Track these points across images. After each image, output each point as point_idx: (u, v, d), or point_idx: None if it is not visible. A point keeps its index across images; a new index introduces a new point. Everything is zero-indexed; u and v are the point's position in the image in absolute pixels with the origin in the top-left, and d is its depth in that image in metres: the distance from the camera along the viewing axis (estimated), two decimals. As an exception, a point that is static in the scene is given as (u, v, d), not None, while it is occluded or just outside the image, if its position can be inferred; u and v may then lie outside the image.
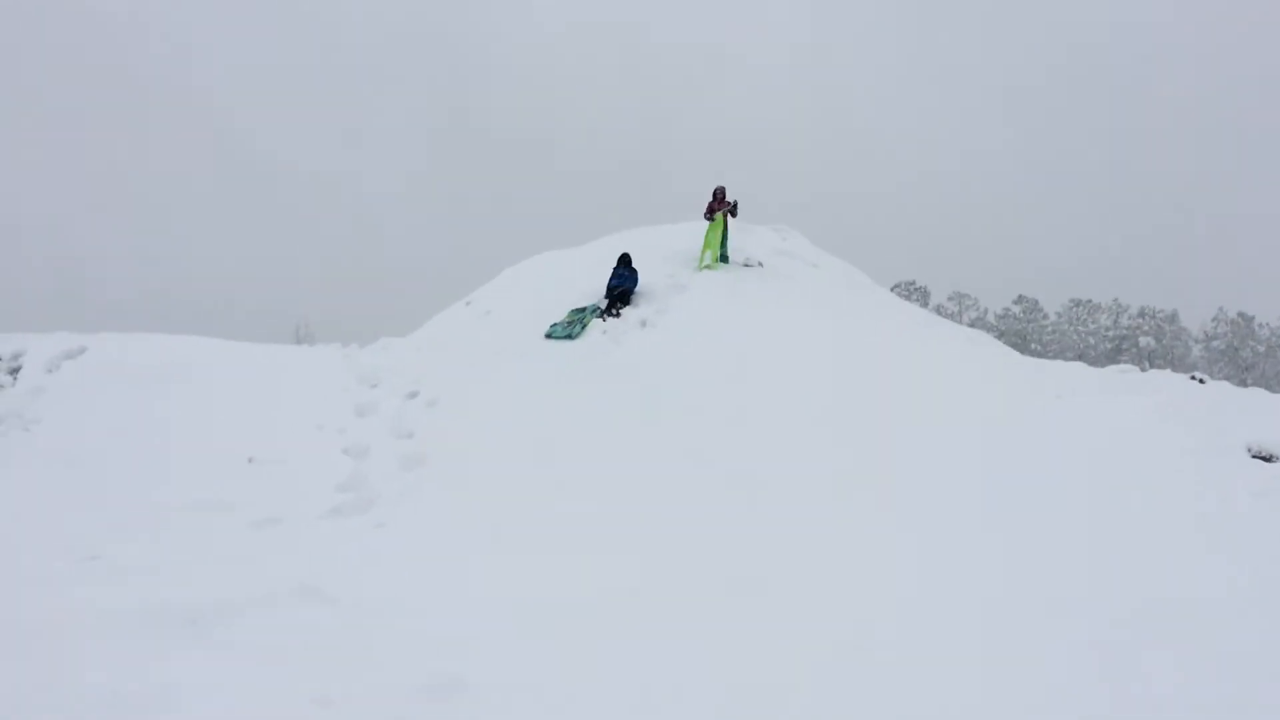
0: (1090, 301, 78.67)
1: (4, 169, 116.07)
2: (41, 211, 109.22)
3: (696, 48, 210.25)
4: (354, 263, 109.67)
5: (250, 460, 10.66)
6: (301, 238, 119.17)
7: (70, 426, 11.17)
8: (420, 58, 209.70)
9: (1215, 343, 74.43)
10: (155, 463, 10.44)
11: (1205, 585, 6.89)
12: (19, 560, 7.53)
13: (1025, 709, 5.29)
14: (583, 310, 16.68)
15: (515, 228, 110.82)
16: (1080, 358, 66.13)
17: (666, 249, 19.50)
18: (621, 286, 17.21)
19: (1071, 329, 77.83)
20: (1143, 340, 74.61)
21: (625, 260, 17.74)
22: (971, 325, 66.65)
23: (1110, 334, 76.81)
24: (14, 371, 12.48)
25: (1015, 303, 78.80)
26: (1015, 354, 17.99)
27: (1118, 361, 54.65)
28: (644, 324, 16.01)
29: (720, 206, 19.17)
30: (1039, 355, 62.85)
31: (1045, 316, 78.32)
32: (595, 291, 17.47)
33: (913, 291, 75.61)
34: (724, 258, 19.14)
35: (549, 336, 15.89)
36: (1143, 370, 14.56)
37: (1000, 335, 68.37)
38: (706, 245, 19.10)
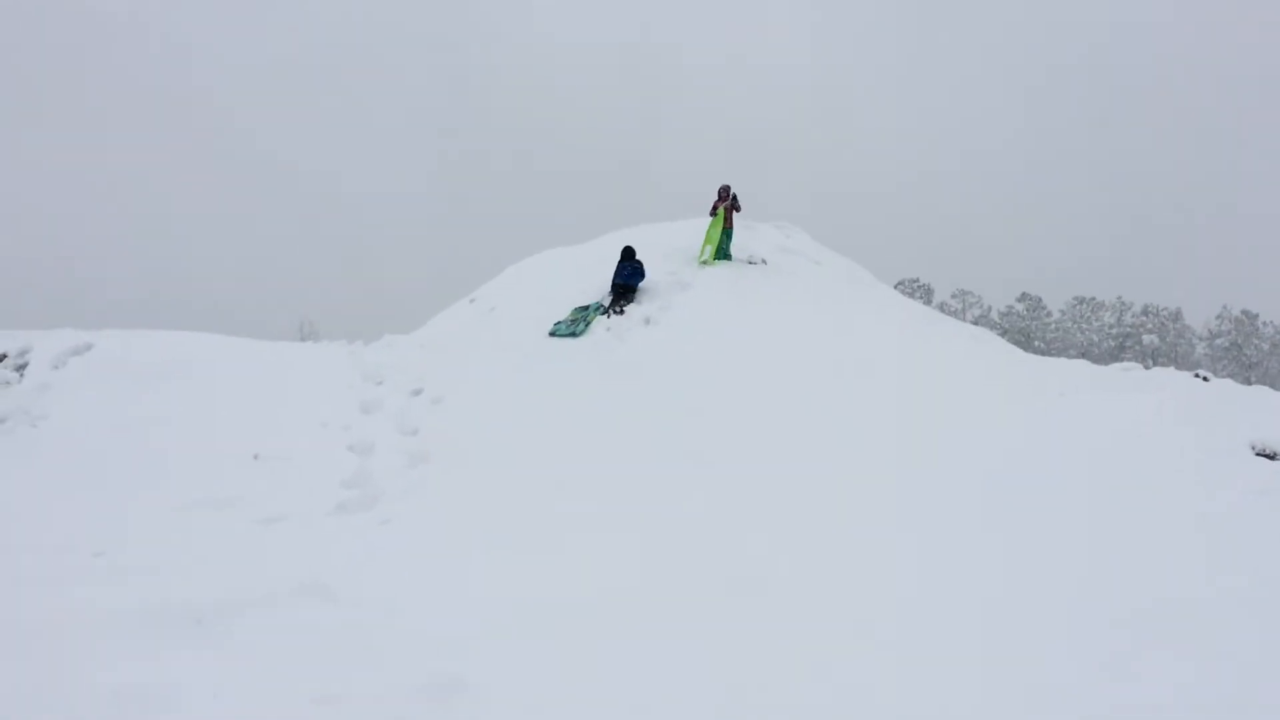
0: (1094, 299, 78.62)
1: (4, 167, 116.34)
2: (42, 210, 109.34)
3: (697, 49, 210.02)
4: (357, 261, 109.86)
5: (256, 457, 10.70)
6: (305, 236, 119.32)
7: (76, 423, 11.20)
8: (422, 58, 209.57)
9: (1219, 340, 74.34)
10: (161, 459, 10.47)
11: (1206, 585, 6.87)
12: (23, 558, 7.55)
13: (1025, 709, 5.30)
14: (586, 308, 16.69)
15: (517, 226, 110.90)
16: (1084, 355, 66.05)
17: (669, 246, 19.51)
18: (628, 283, 17.21)
19: (1075, 327, 77.76)
20: (1146, 338, 74.52)
21: (629, 253, 17.68)
22: (975, 323, 66.58)
23: (1114, 332, 76.73)
24: (20, 368, 12.51)
25: (1018, 300, 78.76)
26: (1019, 352, 18.00)
27: (1121, 359, 54.64)
28: (648, 321, 16.03)
29: (723, 203, 19.22)
30: (1042, 353, 62.77)
31: (1049, 314, 78.26)
32: (599, 288, 17.49)
33: (916, 289, 75.57)
34: (727, 255, 19.16)
35: (553, 335, 15.92)
36: (1146, 368, 14.55)
37: (1003, 333, 68.36)
38: (707, 240, 19.14)
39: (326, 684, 5.18)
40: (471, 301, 20.47)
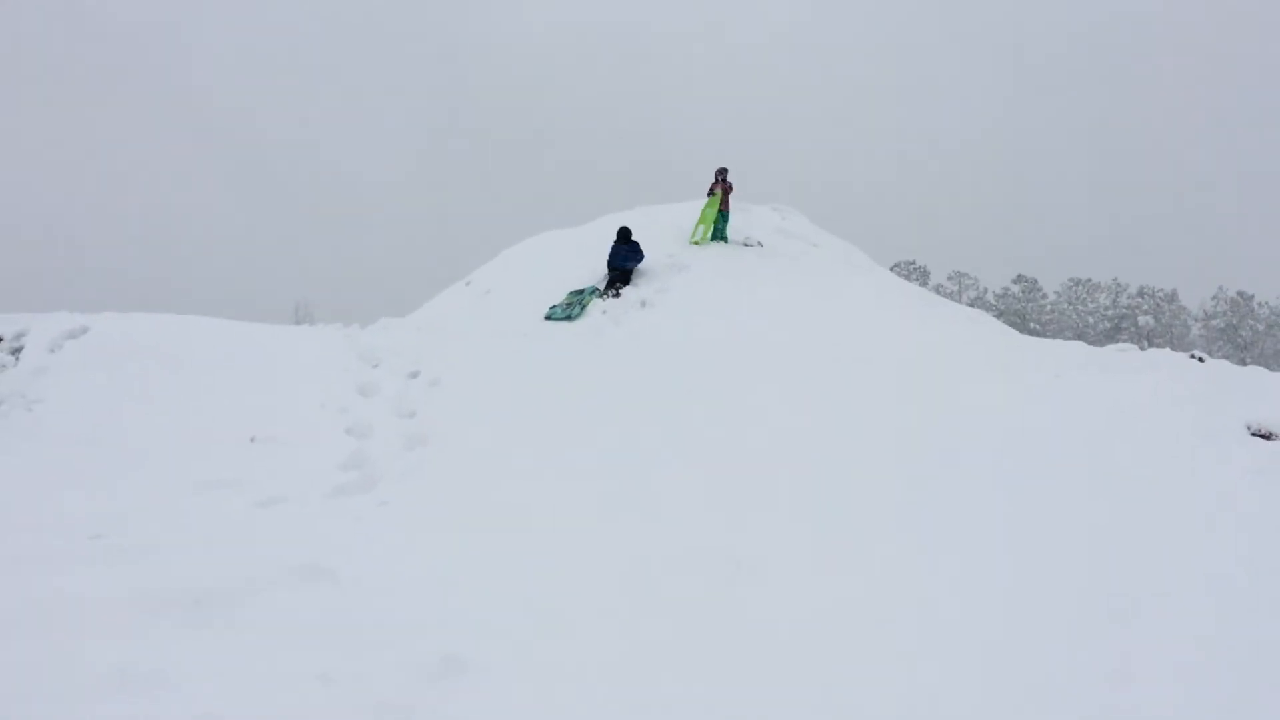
0: (1089, 281, 78.73)
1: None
2: (30, 193, 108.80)
3: (692, 34, 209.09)
4: (352, 245, 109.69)
5: (252, 440, 10.69)
6: (300, 220, 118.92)
7: (72, 406, 11.18)
8: (417, 40, 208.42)
9: (1214, 321, 74.50)
10: (157, 442, 10.46)
11: (1206, 573, 6.82)
12: (20, 540, 7.53)
13: (1025, 707, 5.30)
14: (581, 292, 16.66)
15: (512, 211, 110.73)
16: (1079, 337, 66.16)
17: (667, 227, 19.50)
18: (623, 266, 17.15)
19: (1070, 308, 77.88)
20: (1142, 319, 74.67)
21: (625, 235, 17.57)
22: (971, 305, 66.62)
23: (1109, 313, 76.84)
24: (16, 351, 12.47)
25: (1014, 282, 78.84)
26: (1015, 333, 18.02)
27: (1117, 340, 54.68)
28: (644, 304, 16.03)
29: (720, 186, 19.21)
30: (1038, 334, 62.85)
31: (1044, 296, 78.37)
32: (595, 271, 17.46)
33: (912, 271, 75.61)
34: (724, 237, 19.15)
35: (548, 318, 15.90)
36: (1142, 349, 14.57)
37: (999, 315, 68.42)
38: (701, 220, 19.14)
39: (328, 664, 5.20)
40: (467, 285, 20.45)
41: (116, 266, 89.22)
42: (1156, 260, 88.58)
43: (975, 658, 5.93)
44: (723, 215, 19.15)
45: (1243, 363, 40.39)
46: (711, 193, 19.24)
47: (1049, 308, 77.68)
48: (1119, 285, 77.69)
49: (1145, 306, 75.64)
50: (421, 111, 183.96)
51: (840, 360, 12.75)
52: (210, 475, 9.67)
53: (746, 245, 19.07)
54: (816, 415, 10.89)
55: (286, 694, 4.88)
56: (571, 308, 16.01)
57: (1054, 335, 65.39)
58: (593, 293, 16.57)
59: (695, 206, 20.09)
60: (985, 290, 78.86)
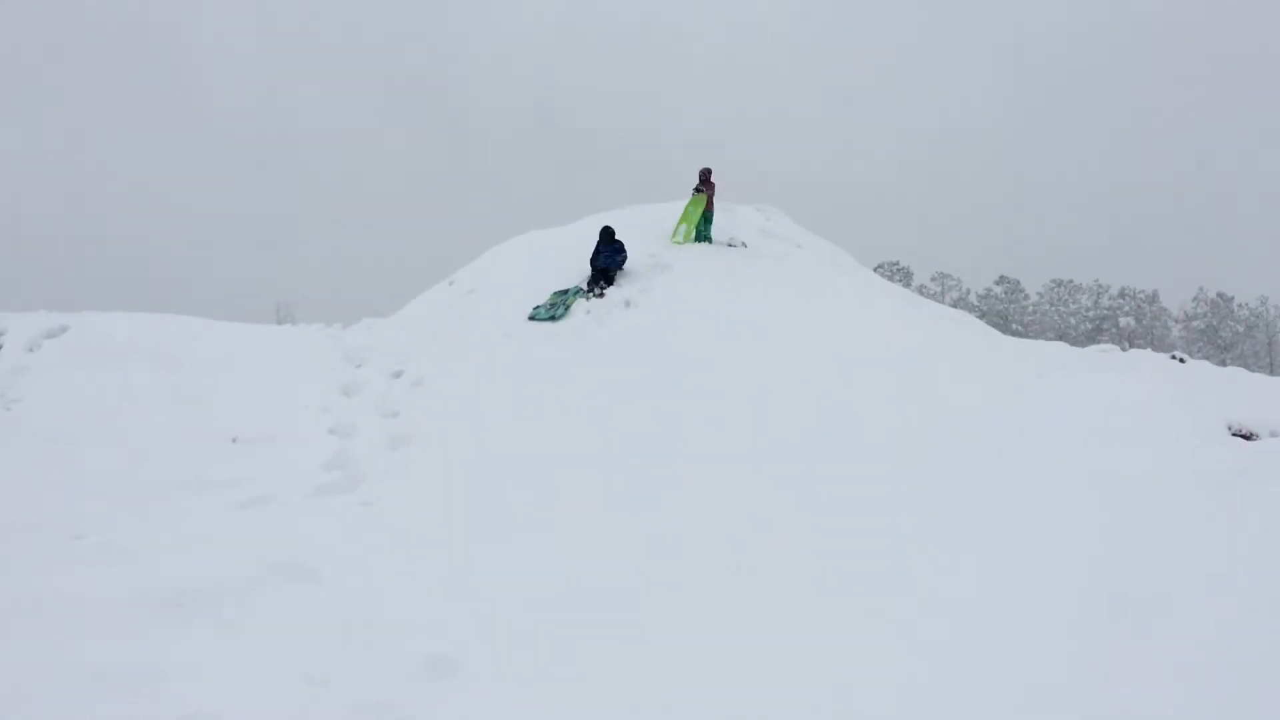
0: (1071, 282, 79.16)
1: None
2: (7, 193, 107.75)
3: (677, 35, 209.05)
4: (333, 245, 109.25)
5: (234, 440, 10.63)
6: (281, 220, 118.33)
7: (52, 406, 11.09)
8: (396, 40, 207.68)
9: (1195, 323, 75.05)
10: (139, 442, 10.38)
11: (1206, 573, 6.82)
12: (1, 541, 7.48)
13: (1025, 707, 5.30)
14: (566, 292, 16.62)
15: (497, 210, 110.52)
16: (1061, 338, 66.52)
17: (651, 227, 19.47)
18: (606, 266, 17.12)
19: (1052, 309, 78.31)
20: (1123, 320, 75.15)
21: (608, 234, 17.55)
22: (954, 305, 66.91)
23: (1091, 314, 77.31)
24: (-6, 351, 12.37)
25: (997, 283, 79.19)
26: (997, 334, 18.08)
27: (1098, 341, 55.03)
28: (628, 304, 16.00)
29: (704, 186, 19.21)
30: (1020, 335, 63.10)
31: (1026, 297, 78.76)
32: (580, 271, 17.42)
33: (896, 272, 75.84)
34: (707, 238, 19.15)
35: (532, 319, 15.84)
36: (1123, 350, 14.65)
37: (982, 315, 68.70)
38: (683, 219, 19.13)
39: (314, 664, 5.17)
40: (450, 284, 20.37)
41: (96, 265, 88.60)
42: (1138, 262, 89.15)
43: (975, 658, 5.94)
44: (706, 216, 19.14)
45: (1223, 364, 40.66)
46: (697, 192, 19.23)
47: (1031, 309, 78.08)
48: (1100, 286, 78.17)
49: (1126, 308, 76.14)
50: (406, 110, 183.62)
51: (830, 360, 12.75)
52: (191, 475, 9.60)
53: (730, 246, 19.06)
54: (810, 415, 10.88)
55: (274, 693, 4.86)
56: (555, 308, 15.97)
57: (1036, 336, 65.73)
58: (577, 293, 16.53)
59: (678, 207, 20.08)
60: (968, 291, 79.21)
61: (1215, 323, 73.93)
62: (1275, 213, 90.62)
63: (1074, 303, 78.68)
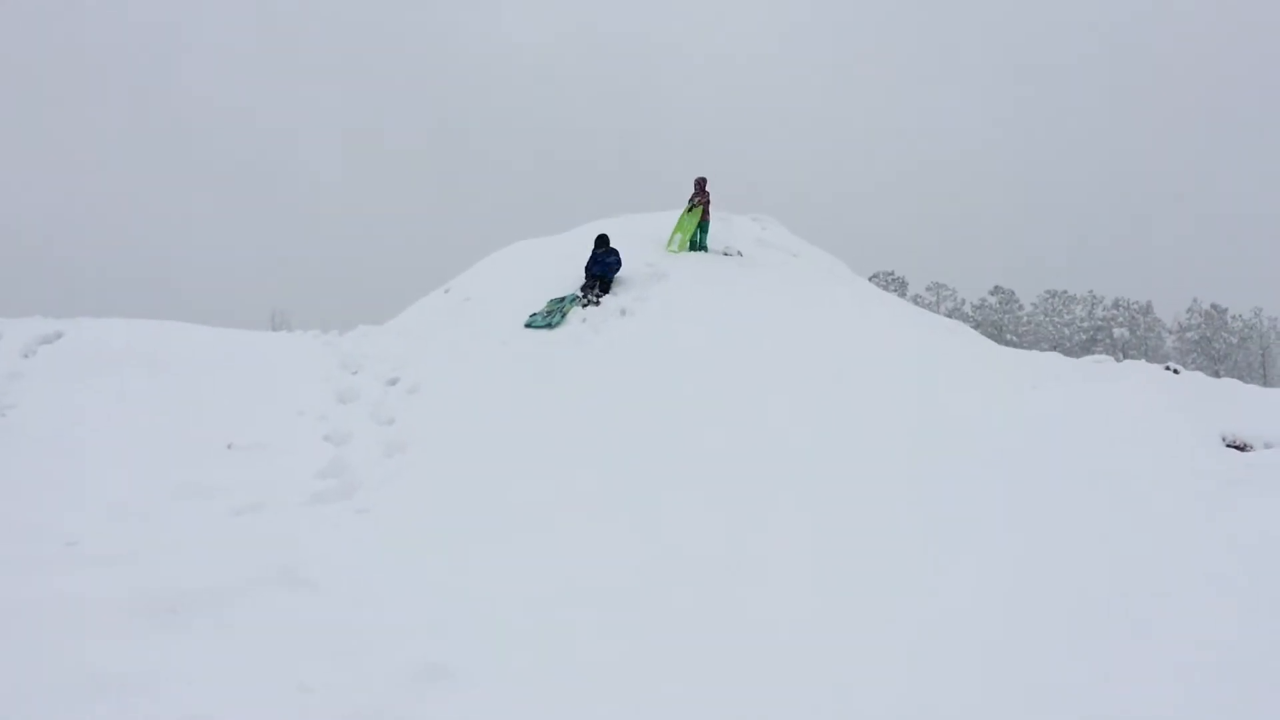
0: (1065, 293, 79.38)
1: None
2: (3, 193, 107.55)
3: (675, 43, 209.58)
4: (329, 253, 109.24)
5: (229, 446, 10.61)
6: (276, 228, 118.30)
7: (47, 412, 11.07)
8: (391, 48, 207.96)
9: (1189, 334, 75.29)
10: (133, 448, 10.37)
11: (1205, 574, 6.85)
12: (-4, 547, 7.45)
13: (1025, 707, 5.30)
14: (562, 299, 16.62)
15: (490, 219, 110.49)
16: (1055, 348, 66.59)
17: (647, 236, 19.47)
18: (603, 274, 17.13)
19: (1047, 320, 78.50)
20: (1117, 331, 75.32)
21: (603, 241, 17.54)
22: (948, 316, 66.99)
23: (1085, 325, 77.50)
24: (-12, 357, 12.34)
25: (991, 293, 79.40)
26: (991, 344, 18.09)
27: (1092, 352, 55.13)
28: (623, 312, 15.99)
29: (700, 196, 19.22)
30: (1014, 346, 63.12)
31: (1021, 307, 78.95)
32: (575, 278, 17.43)
33: (891, 281, 75.98)
34: (703, 247, 19.16)
35: (528, 326, 15.84)
36: (1117, 361, 14.66)
37: (976, 326, 68.80)
38: (678, 229, 19.14)
39: (309, 671, 5.16)
40: (446, 292, 20.35)
41: (91, 271, 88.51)
42: (1132, 273, 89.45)
43: (975, 658, 5.94)
44: (702, 225, 19.15)
45: (1216, 375, 40.79)
46: (692, 202, 19.24)
47: (1025, 319, 78.28)
48: (1094, 297, 78.40)
49: (1120, 319, 76.33)
50: (402, 120, 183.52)
51: (828, 365, 12.74)
52: (187, 482, 9.58)
53: (726, 255, 19.07)
54: (809, 417, 10.86)
55: (269, 701, 4.85)
56: (552, 315, 15.96)
57: (1030, 346, 65.83)
58: (573, 300, 16.53)
59: (674, 216, 20.09)
60: (963, 301, 79.41)
61: (1209, 334, 74.16)
62: (1269, 225, 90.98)
63: (1068, 313, 78.90)
